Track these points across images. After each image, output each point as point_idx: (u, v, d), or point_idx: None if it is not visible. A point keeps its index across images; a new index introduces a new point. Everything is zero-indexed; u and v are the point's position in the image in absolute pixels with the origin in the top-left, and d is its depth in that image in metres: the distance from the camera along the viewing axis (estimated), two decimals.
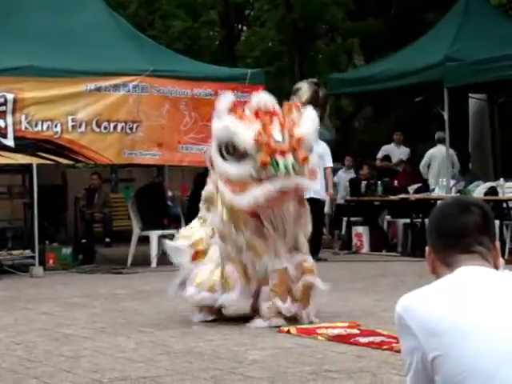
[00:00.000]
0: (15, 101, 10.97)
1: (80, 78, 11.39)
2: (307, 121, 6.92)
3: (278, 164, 6.48)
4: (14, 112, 10.97)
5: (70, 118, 11.31)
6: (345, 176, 15.06)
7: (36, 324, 7.16)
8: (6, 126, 10.92)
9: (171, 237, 12.45)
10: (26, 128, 11.07)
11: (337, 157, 14.07)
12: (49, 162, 11.45)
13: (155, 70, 11.91)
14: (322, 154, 12.57)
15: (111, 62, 11.76)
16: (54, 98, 11.20)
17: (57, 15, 12.53)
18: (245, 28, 27.80)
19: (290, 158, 6.57)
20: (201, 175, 13.33)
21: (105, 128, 11.53)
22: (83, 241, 13.21)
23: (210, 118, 12.15)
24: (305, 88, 13.97)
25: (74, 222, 14.96)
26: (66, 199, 15.15)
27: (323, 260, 12.43)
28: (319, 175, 12.11)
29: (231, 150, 6.58)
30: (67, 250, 12.13)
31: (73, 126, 11.34)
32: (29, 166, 11.63)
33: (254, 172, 6.50)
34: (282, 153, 6.56)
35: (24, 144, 11.08)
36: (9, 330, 6.91)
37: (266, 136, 6.54)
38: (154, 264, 11.80)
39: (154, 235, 12.00)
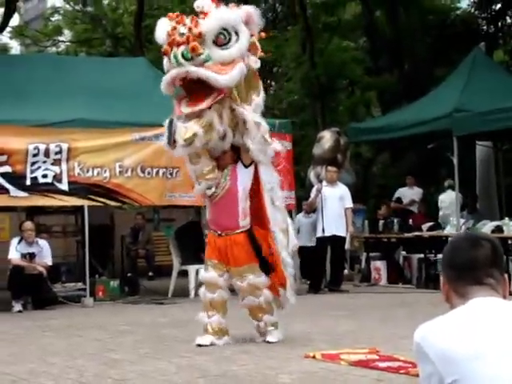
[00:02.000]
0: (69, 150, 11.08)
1: (126, 129, 11.49)
2: (210, 19, 6.81)
3: (173, 54, 6.69)
4: (68, 160, 11.08)
5: (117, 164, 11.39)
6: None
7: (87, 349, 7.18)
8: (61, 172, 11.04)
9: None
10: (78, 174, 11.17)
11: (357, 198, 14.06)
12: (99, 204, 11.52)
13: None
14: (342, 195, 12.59)
15: (153, 114, 11.82)
16: (103, 147, 11.30)
17: (106, 73, 12.72)
18: (273, 83, 27.98)
19: (181, 49, 6.64)
20: None
21: (148, 173, 11.60)
22: (129, 274, 13.24)
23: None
24: (327, 136, 14.03)
25: (120, 257, 15.01)
26: (114, 237, 15.22)
27: (345, 292, 12.38)
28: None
29: None
30: (115, 283, 12.17)
31: (120, 172, 11.43)
32: (81, 208, 11.73)
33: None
34: (178, 44, 6.66)
35: (77, 188, 11.17)
36: (63, 354, 6.93)
37: (173, 31, 6.70)
38: (192, 295, 11.79)
39: (192, 269, 12.00)
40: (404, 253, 14.00)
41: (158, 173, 11.65)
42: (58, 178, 11.01)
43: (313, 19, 22.93)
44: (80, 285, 11.63)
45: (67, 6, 27.61)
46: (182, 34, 6.65)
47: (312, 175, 13.42)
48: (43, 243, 11.32)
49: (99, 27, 25.24)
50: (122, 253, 14.84)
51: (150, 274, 14.44)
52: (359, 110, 23.81)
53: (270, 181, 7.20)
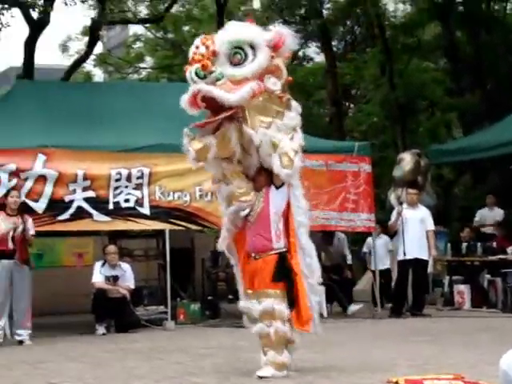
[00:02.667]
0: (150, 174, 11.25)
1: None
2: (223, 36, 6.67)
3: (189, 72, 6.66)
4: (149, 184, 11.24)
5: (197, 188, 11.50)
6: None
7: (168, 372, 7.21)
8: (142, 197, 11.20)
9: None
10: (159, 198, 11.31)
11: (438, 221, 13.85)
12: (180, 228, 11.62)
13: None
14: (423, 217, 12.43)
15: None
16: (182, 171, 11.39)
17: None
18: (352, 105, 27.91)
19: (195, 66, 6.57)
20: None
21: None
22: (209, 298, 13.30)
23: (321, 187, 12.27)
24: (407, 158, 13.86)
25: (201, 280, 15.10)
26: (194, 260, 15.33)
27: (427, 316, 12.18)
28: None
29: None
30: (195, 306, 12.24)
31: (200, 196, 11.53)
32: (162, 232, 11.86)
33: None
34: (193, 62, 6.61)
35: (158, 212, 11.31)
36: (145, 377, 6.98)
37: (195, 50, 6.62)
38: None
39: None
40: (489, 276, 13.70)
41: None
42: (139, 202, 11.17)
43: (392, 41, 22.81)
44: (162, 308, 11.75)
45: (148, 33, 28.15)
46: (202, 55, 6.57)
47: (392, 197, 13.28)
48: (126, 267, 11.49)
49: (180, 53, 25.62)
50: (203, 276, 14.92)
51: (230, 296, 14.45)
52: (440, 132, 23.51)
53: (299, 205, 6.93)
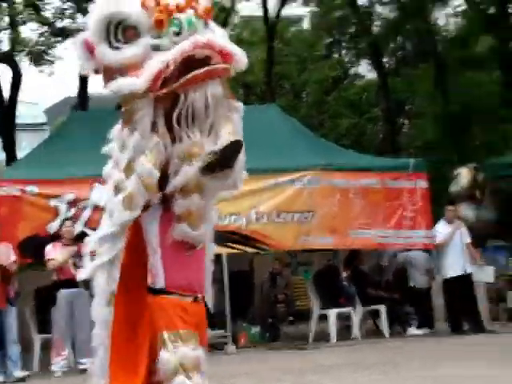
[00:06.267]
0: None
1: (261, 175, 11.59)
2: None
3: (179, 21, 4.12)
4: None
5: (253, 211, 11.52)
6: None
7: None
8: None
9: (347, 314, 12.45)
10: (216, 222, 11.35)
11: (500, 235, 13.67)
12: (237, 251, 11.64)
13: (326, 165, 12.01)
14: (462, 232, 12.34)
15: (287, 159, 11.96)
16: (238, 195, 11.42)
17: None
18: (406, 121, 27.73)
19: (190, 13, 4.16)
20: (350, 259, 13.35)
21: (283, 218, 11.67)
22: (269, 320, 13.29)
23: (376, 205, 12.20)
24: (464, 173, 13.74)
25: (260, 303, 15.09)
26: (253, 283, 15.33)
27: (492, 332, 11.96)
28: None
29: (120, 35, 4.11)
30: (256, 329, 12.24)
31: (256, 219, 11.55)
32: (220, 256, 11.90)
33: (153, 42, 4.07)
34: (180, 9, 4.20)
35: (215, 236, 11.33)
36: None
37: None
38: (333, 339, 11.70)
39: (332, 313, 11.94)
40: None
41: (293, 217, 11.70)
42: None
43: (444, 54, 22.65)
44: (222, 332, 11.77)
45: None
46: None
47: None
48: None
49: (231, 77, 25.86)
50: (262, 298, 14.91)
51: (290, 318, 14.42)
52: (497, 144, 23.20)
53: None
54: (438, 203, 13.92)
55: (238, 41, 26.38)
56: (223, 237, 11.40)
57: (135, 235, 4.24)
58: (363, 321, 12.82)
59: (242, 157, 4.13)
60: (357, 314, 12.30)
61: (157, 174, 4.03)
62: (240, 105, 4.27)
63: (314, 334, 12.08)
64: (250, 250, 11.97)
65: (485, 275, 12.68)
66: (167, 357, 3.97)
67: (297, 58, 26.79)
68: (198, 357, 4.08)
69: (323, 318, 12.23)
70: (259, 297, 15.12)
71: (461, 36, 22.88)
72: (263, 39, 23.64)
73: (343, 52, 27.25)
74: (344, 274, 13.54)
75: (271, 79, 22.29)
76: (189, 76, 3.97)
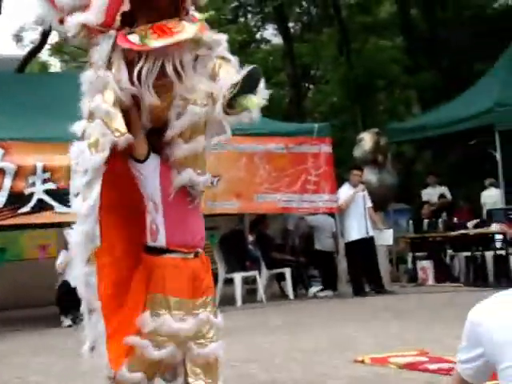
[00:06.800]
0: None
1: None
2: None
3: None
4: None
5: None
6: None
7: None
8: None
9: (253, 278, 12.58)
10: None
11: (400, 198, 13.97)
12: None
13: (232, 129, 11.98)
14: (364, 195, 12.55)
15: None
16: None
17: None
18: (311, 86, 27.96)
19: None
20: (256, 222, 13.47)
21: None
22: None
23: (281, 170, 12.31)
24: (367, 138, 13.98)
25: None
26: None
27: (391, 293, 12.30)
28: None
29: None
30: None
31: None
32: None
33: None
34: None
35: None
36: None
37: None
38: (239, 303, 11.81)
39: (237, 277, 12.04)
40: (451, 251, 13.87)
41: None
42: None
43: (348, 20, 22.87)
44: None
45: None
46: None
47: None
48: None
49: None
50: None
51: None
52: (399, 110, 23.66)
53: None
54: (342, 167, 14.16)
55: None
56: None
57: (119, 192, 4.09)
58: (269, 284, 12.98)
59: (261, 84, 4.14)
60: (262, 277, 12.46)
61: (114, 112, 3.93)
62: (223, 37, 4.48)
63: (219, 297, 12.15)
64: None
65: (384, 238, 12.98)
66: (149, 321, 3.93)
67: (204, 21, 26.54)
68: (179, 328, 4.00)
69: (229, 281, 12.32)
70: None
71: (364, 2, 23.13)
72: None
73: (249, 16, 27.17)
74: (250, 238, 13.67)
75: None
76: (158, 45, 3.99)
